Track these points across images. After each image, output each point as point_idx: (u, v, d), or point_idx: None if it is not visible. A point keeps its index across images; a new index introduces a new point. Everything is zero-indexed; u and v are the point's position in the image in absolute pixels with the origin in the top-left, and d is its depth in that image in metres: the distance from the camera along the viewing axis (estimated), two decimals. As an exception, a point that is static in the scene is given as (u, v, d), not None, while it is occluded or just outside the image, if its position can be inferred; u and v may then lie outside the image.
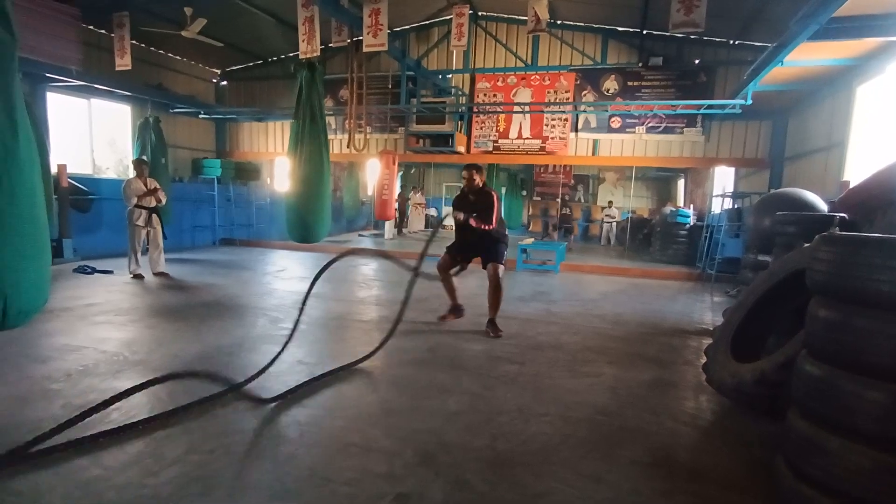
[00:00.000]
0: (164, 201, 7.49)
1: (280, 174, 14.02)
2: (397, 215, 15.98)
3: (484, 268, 4.99)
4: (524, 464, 2.52)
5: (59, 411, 2.90)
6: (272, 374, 3.57)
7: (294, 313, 5.53)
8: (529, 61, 11.44)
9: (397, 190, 14.16)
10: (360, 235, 15.60)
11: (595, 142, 11.21)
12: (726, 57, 10.15)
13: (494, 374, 3.86)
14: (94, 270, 7.62)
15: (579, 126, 11.20)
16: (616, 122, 10.91)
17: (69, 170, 8.56)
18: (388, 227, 14.91)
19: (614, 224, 18.46)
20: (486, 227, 4.79)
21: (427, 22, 11.88)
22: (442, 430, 2.84)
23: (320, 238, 6.06)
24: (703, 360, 3.82)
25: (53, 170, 8.13)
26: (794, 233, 4.12)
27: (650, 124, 10.67)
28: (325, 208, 5.88)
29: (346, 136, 11.38)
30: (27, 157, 2.73)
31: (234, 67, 12.98)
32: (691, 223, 12.67)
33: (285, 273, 8.61)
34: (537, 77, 11.36)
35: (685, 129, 10.51)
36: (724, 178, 13.32)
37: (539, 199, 20.51)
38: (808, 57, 6.25)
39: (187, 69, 12.00)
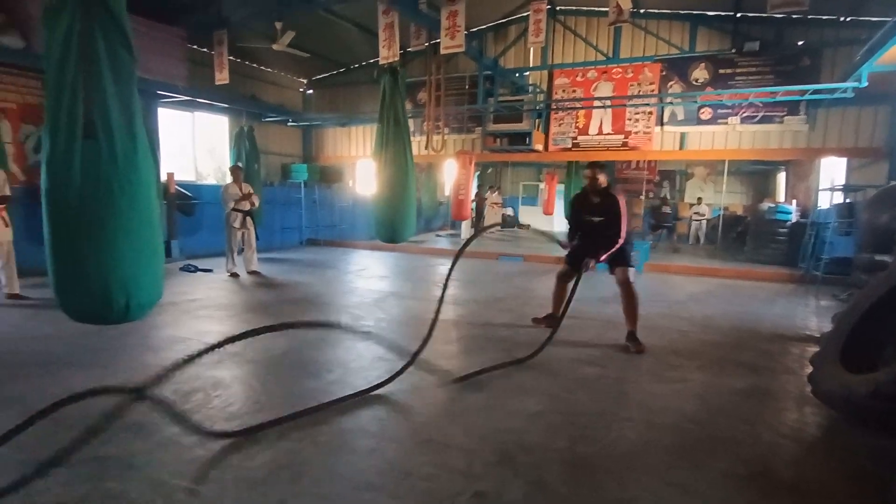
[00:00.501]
0: (257, 205, 7.99)
1: (361, 176, 14.50)
2: (474, 215, 16.04)
3: (611, 273, 4.61)
4: (607, 469, 2.44)
5: (169, 396, 3.18)
6: (353, 369, 3.71)
7: (375, 311, 5.74)
8: (611, 54, 11.05)
9: (474, 190, 14.20)
10: (437, 235, 15.81)
11: (683, 135, 10.63)
12: (834, 37, 9.26)
13: (575, 376, 3.77)
14: (196, 269, 8.26)
15: (665, 119, 10.67)
16: (706, 114, 10.28)
17: (175, 177, 9.35)
18: (465, 226, 14.98)
19: (704, 222, 17.38)
20: (615, 246, 4.40)
21: (504, 20, 11.81)
22: (521, 430, 2.81)
23: (406, 238, 6.21)
24: (808, 369, 3.51)
25: (163, 177, 8.90)
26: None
27: (745, 114, 9.95)
28: (411, 209, 6.01)
29: (425, 137, 11.64)
30: (145, 166, 3.02)
31: (320, 76, 13.58)
32: (793, 220, 11.69)
33: (366, 272, 8.90)
34: (619, 70, 10.95)
35: (786, 118, 9.69)
36: (832, 171, 12.17)
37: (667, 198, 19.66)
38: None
39: (277, 80, 12.72)
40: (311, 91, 13.79)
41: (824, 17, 9.15)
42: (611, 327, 5.24)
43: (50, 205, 2.93)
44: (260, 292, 6.80)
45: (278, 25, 8.06)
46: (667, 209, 14.81)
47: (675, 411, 3.15)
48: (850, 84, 7.64)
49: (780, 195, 16.72)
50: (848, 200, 8.83)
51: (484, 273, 8.94)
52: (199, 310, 5.57)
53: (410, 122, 12.47)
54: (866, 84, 7.35)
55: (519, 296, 6.96)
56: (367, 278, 8.20)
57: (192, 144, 10.69)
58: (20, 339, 4.43)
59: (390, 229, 5.85)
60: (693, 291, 7.82)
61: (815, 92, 8.65)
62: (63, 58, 2.80)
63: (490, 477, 2.34)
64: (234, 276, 7.72)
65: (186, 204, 9.65)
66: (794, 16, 9.23)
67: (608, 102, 10.77)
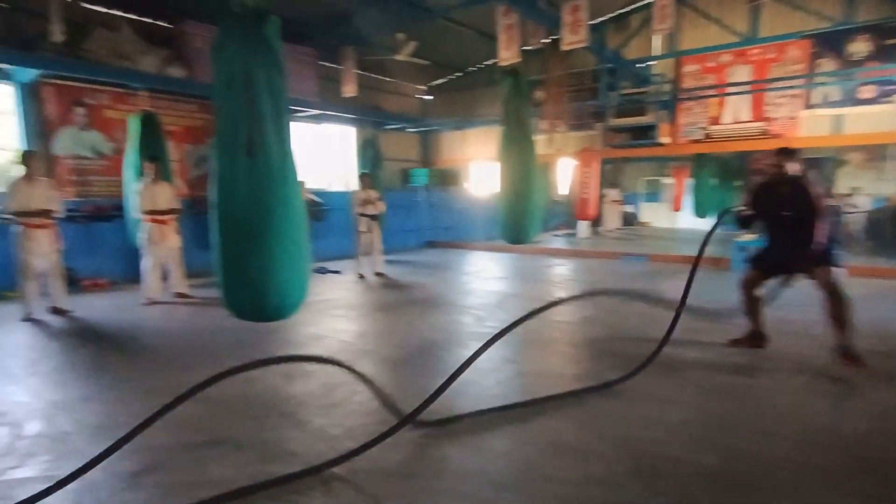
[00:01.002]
0: (382, 209, 8.41)
1: (477, 178, 14.66)
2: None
3: (811, 277, 3.88)
4: (766, 489, 2.24)
5: (316, 389, 3.45)
6: (484, 370, 3.76)
7: (497, 312, 5.77)
8: (748, 34, 10.09)
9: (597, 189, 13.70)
10: (553, 235, 15.52)
11: (837, 118, 9.42)
12: None
13: (719, 385, 3.50)
14: (327, 271, 8.89)
15: (814, 101, 9.53)
16: (867, 92, 9.02)
17: (306, 185, 10.14)
18: (583, 226, 14.54)
19: (860, 216, 15.24)
20: (817, 245, 3.74)
21: (625, 10, 11.30)
22: (663, 441, 2.67)
23: (531, 239, 6.17)
24: None
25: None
26: None
27: (919, 90, 8.61)
28: (537, 210, 5.97)
29: (541, 136, 11.49)
30: (294, 179, 3.31)
31: (437, 82, 13.99)
32: None
33: (484, 273, 8.98)
34: (759, 51, 9.96)
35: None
36: None
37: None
38: None
39: (398, 88, 13.31)
40: (429, 97, 14.23)
41: None
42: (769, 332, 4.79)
43: (218, 216, 3.30)
44: (386, 293, 7.14)
45: (401, 37, 8.42)
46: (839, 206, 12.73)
47: (848, 433, 2.80)
48: None
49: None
50: None
51: (606, 273, 8.62)
52: (333, 309, 5.99)
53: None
54: None
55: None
56: (485, 279, 8.29)
57: (322, 154, 11.53)
58: (189, 333, 5.06)
59: (516, 230, 5.84)
60: (856, 294, 6.89)
61: None
62: (228, 86, 3.15)
63: (632, 488, 2.25)
64: (362, 277, 8.19)
65: (317, 210, 10.41)
66: None
67: (746, 87, 9.86)
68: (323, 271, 8.91)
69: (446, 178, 13.99)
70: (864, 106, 9.03)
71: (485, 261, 10.58)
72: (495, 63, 11.40)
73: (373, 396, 3.02)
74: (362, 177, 8.37)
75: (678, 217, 18.65)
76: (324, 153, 11.60)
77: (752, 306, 4.22)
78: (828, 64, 9.25)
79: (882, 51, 8.77)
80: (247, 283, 3.33)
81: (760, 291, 4.18)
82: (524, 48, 9.37)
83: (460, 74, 13.61)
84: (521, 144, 5.54)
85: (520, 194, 5.57)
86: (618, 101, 10.63)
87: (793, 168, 3.96)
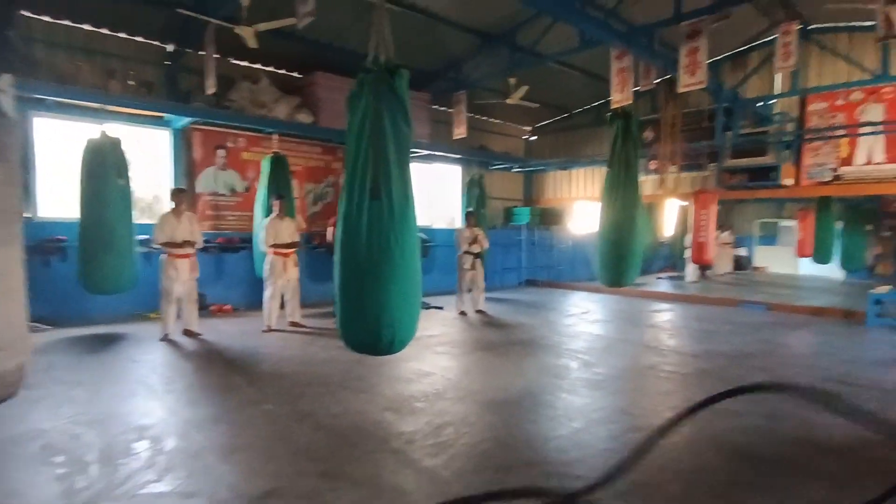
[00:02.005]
0: (486, 247, 8.51)
1: (580, 217, 14.42)
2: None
3: None
4: None
5: (425, 427, 3.51)
6: (595, 420, 3.62)
7: (605, 357, 5.56)
8: (880, 71, 9.21)
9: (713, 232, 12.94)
10: (657, 278, 14.78)
11: None
12: None
13: (860, 455, 3.10)
14: (430, 306, 9.07)
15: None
16: None
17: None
18: (691, 269, 13.73)
19: None
20: None
21: (743, 48, 10.80)
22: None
23: (630, 282, 5.98)
24: None
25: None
26: None
27: None
28: (637, 254, 5.79)
29: (649, 176, 11.11)
30: (412, 220, 3.47)
31: (542, 123, 14.10)
32: None
33: (589, 316, 8.72)
34: (891, 89, 9.05)
35: None
36: None
37: (890, 233, 15.97)
38: None
39: (503, 129, 13.57)
40: (533, 137, 14.37)
41: None
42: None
43: (342, 252, 3.52)
44: (488, 331, 7.16)
45: (512, 81, 8.65)
46: None
47: None
48: None
49: None
50: None
51: (722, 322, 8.04)
52: (437, 345, 6.09)
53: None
54: None
55: (771, 352, 6.08)
56: (588, 321, 8.04)
57: (427, 192, 11.97)
58: (303, 361, 5.35)
59: (614, 273, 5.68)
60: None
61: None
62: (359, 133, 3.41)
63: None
64: (463, 314, 8.28)
65: (422, 247, 10.75)
66: None
67: (878, 128, 8.96)
68: (426, 306, 9.09)
69: (549, 218, 13.91)
70: None
71: (587, 302, 10.30)
72: (602, 103, 11.33)
73: (486, 438, 3.01)
74: (468, 215, 8.57)
75: (797, 263, 17.05)
76: (430, 191, 12.04)
77: None
78: None
79: None
80: (364, 318, 3.49)
81: None
82: (635, 89, 9.26)
83: (566, 115, 13.63)
84: (626, 187, 5.43)
85: (621, 237, 5.43)
86: (734, 140, 10.07)
87: None
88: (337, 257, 3.53)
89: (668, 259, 16.99)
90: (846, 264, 15.87)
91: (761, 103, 10.40)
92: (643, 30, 6.42)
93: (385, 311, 3.47)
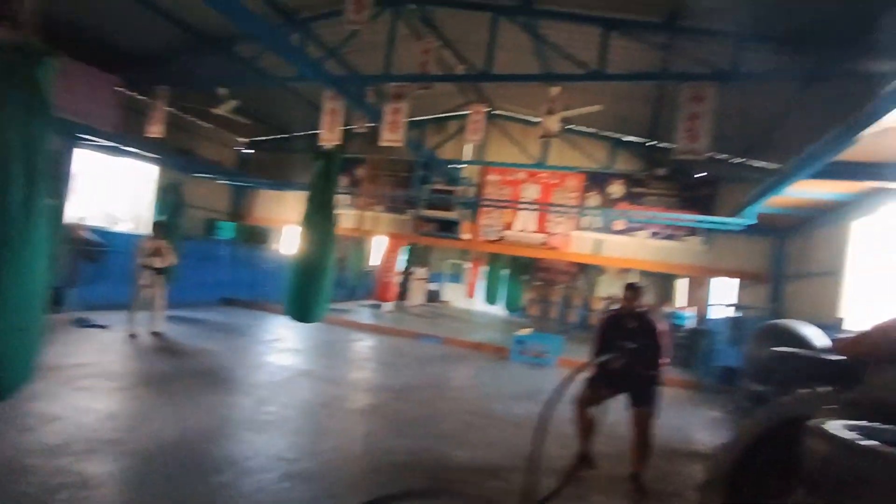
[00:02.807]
0: (172, 262, 7.64)
1: (287, 241, 14.29)
2: (399, 290, 16.28)
3: (632, 406, 4.13)
4: None
5: (30, 490, 2.86)
6: (247, 469, 3.51)
7: (282, 394, 5.49)
8: (540, 160, 11.90)
9: (399, 270, 14.31)
10: (359, 305, 15.65)
11: (599, 241, 11.44)
12: (729, 173, 10.53)
13: (476, 491, 3.75)
14: (91, 324, 7.63)
15: (584, 225, 11.48)
16: (620, 225, 11.17)
17: (88, 221, 8.82)
18: (387, 303, 15.07)
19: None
20: (653, 375, 4.07)
21: (444, 115, 12.49)
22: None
23: (318, 319, 6.13)
24: (696, 495, 3.72)
25: (68, 221, 8.38)
26: (790, 372, 4.13)
27: (654, 230, 10.92)
28: (325, 292, 5.98)
29: (358, 212, 11.76)
30: (35, 214, 2.82)
31: (259, 138, 13.61)
32: (689, 326, 12.65)
33: (280, 343, 8.60)
34: (546, 175, 11.78)
35: (687, 238, 10.73)
36: (725, 284, 13.40)
37: (540, 283, 20.60)
38: (807, 189, 6.50)
39: (215, 136, 12.58)
40: (249, 150, 13.72)
41: (721, 157, 10.42)
42: (519, 432, 5.31)
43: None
44: (159, 359, 6.37)
45: (222, 92, 8.11)
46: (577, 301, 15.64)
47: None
48: (739, 221, 8.64)
49: (680, 299, 18.11)
50: (739, 315, 9.72)
51: (402, 354, 8.90)
52: (82, 378, 5.09)
53: (345, 196, 12.79)
54: (755, 221, 8.34)
55: (434, 385, 6.95)
56: (280, 351, 7.92)
57: (111, 188, 10.22)
58: None
59: (302, 308, 5.79)
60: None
61: (713, 221, 9.70)
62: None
63: None
64: (133, 336, 7.21)
65: (92, 250, 9.04)
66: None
67: (533, 205, 11.48)
68: (85, 324, 7.61)
69: (256, 236, 13.38)
70: (618, 235, 11.16)
71: (283, 328, 10.15)
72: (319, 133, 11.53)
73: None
74: (155, 225, 7.59)
75: (473, 301, 20.48)
76: (115, 188, 10.28)
77: (583, 425, 4.25)
78: (594, 197, 11.32)
79: (631, 195, 11.06)
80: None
81: (592, 413, 4.23)
82: (349, 127, 9.75)
83: (285, 136, 13.45)
84: (322, 225, 5.65)
85: (311, 275, 5.60)
86: (428, 194, 11.49)
87: (642, 302, 4.31)
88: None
89: (372, 288, 18.20)
90: (508, 305, 19.73)
91: (452, 166, 12.18)
92: (355, 79, 6.84)
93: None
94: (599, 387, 4.21)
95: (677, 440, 5.96)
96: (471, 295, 19.78)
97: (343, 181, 12.51)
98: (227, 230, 12.29)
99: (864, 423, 2.35)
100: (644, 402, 4.10)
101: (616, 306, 4.96)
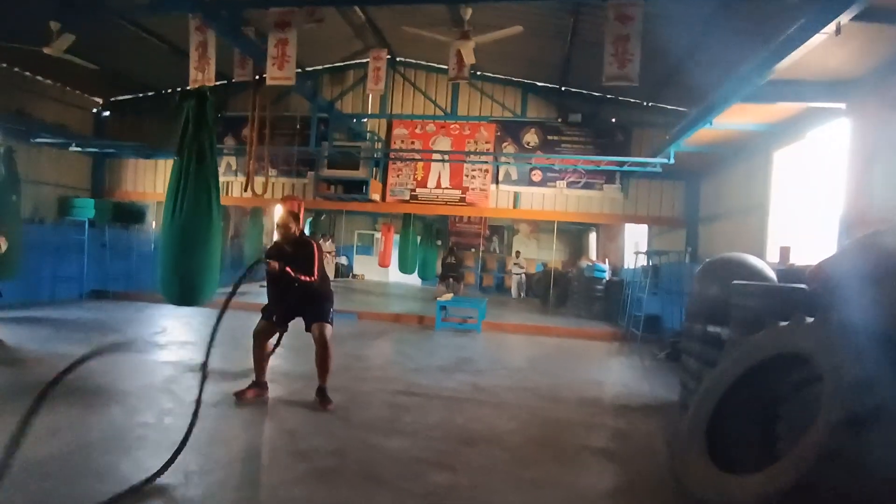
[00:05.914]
0: (3, 249, 6.02)
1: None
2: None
3: (308, 329, 4.47)
4: None
5: None
6: None
7: (161, 399, 4.32)
8: (449, 110, 11.07)
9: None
10: (260, 286, 14.16)
11: (516, 194, 10.91)
12: (640, 118, 10.34)
13: (422, 487, 2.97)
14: None
15: (500, 178, 10.88)
16: (537, 176, 10.70)
17: None
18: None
19: (523, 276, 18.47)
20: (307, 279, 4.25)
21: (342, 64, 11.24)
22: None
23: (204, 300, 4.97)
24: (664, 450, 3.21)
25: None
26: (758, 307, 3.70)
27: (571, 179, 10.55)
28: (212, 265, 4.83)
29: (248, 178, 10.28)
30: None
31: (120, 98, 11.51)
32: (607, 278, 12.67)
33: (164, 336, 7.24)
34: (457, 126, 10.98)
35: (605, 186, 10.48)
36: (635, 234, 13.57)
37: (454, 248, 20.13)
38: (731, 121, 6.25)
39: (60, 95, 10.39)
40: (107, 113, 11.58)
41: (632, 101, 10.18)
42: (456, 407, 4.62)
43: None
44: (-12, 374, 4.88)
45: (54, 26, 6.37)
46: (452, 259, 15.41)
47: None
48: (660, 160, 8.42)
49: (592, 254, 18.44)
50: (653, 263, 9.68)
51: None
52: None
53: (234, 161, 11.19)
54: (673, 161, 8.13)
55: (350, 366, 6.01)
56: (162, 347, 6.57)
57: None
58: None
59: (183, 289, 4.63)
60: (532, 354, 7.68)
61: (630, 164, 9.46)
62: None
63: None
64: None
65: None
66: (608, 95, 10.13)
67: (446, 157, 10.68)
68: None
69: (127, 215, 11.43)
70: (535, 187, 10.68)
71: (168, 318, 8.68)
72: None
73: None
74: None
75: (387, 272, 19.45)
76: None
77: (259, 354, 4.49)
78: (510, 147, 10.71)
79: (546, 144, 10.58)
80: None
81: (269, 344, 4.55)
82: (231, 80, 8.28)
83: (152, 94, 11.48)
84: (199, 185, 4.45)
85: (192, 245, 4.43)
86: (330, 151, 10.31)
87: (297, 228, 4.49)
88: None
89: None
90: (422, 273, 18.97)
91: (355, 120, 11.02)
92: (227, 4, 5.50)
93: None
94: (273, 318, 4.48)
95: (623, 395, 5.61)
96: (385, 265, 18.77)
97: (230, 142, 10.95)
98: (87, 209, 10.32)
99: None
100: (315, 318, 4.42)
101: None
